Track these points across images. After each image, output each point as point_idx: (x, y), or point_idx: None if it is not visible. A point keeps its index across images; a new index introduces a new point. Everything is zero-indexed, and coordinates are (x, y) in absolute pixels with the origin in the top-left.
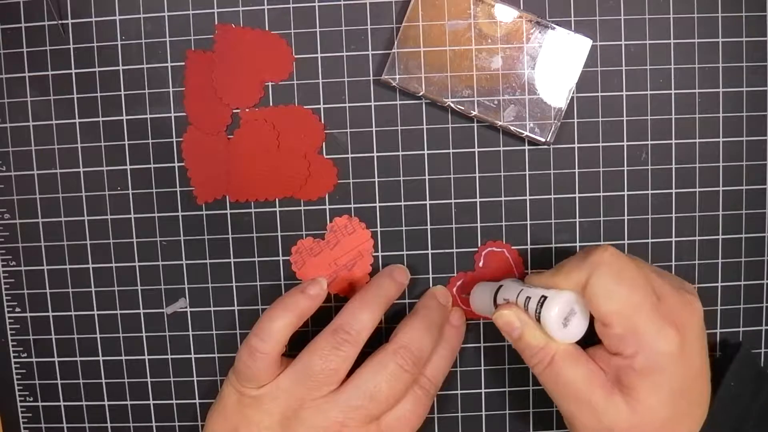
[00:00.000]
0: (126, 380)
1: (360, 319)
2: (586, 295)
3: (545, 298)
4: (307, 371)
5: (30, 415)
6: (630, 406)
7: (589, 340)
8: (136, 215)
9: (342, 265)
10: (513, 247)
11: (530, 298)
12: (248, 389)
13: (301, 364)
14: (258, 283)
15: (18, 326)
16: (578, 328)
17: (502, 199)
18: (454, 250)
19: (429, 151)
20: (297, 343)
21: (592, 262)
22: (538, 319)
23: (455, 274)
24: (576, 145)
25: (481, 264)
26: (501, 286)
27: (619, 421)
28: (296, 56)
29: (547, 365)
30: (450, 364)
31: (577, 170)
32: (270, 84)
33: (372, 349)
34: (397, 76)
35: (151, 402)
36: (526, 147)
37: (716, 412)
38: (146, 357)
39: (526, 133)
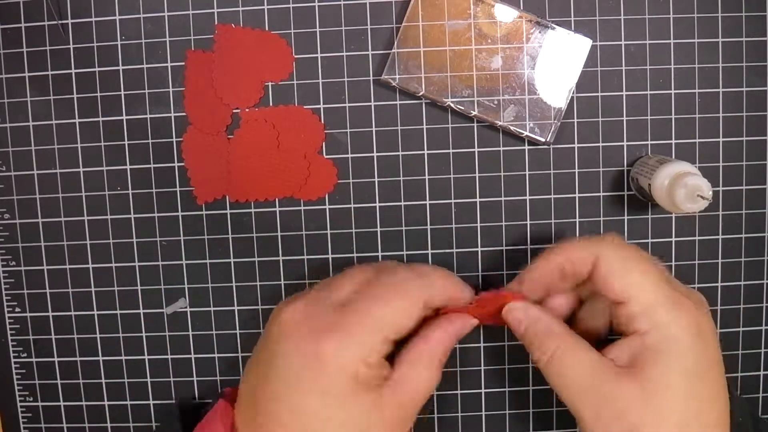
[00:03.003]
0: (126, 380)
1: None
2: (598, 273)
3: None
4: None
5: (30, 415)
6: (641, 385)
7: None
8: (136, 215)
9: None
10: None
11: None
12: None
13: None
14: (258, 283)
15: (18, 326)
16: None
17: (502, 199)
18: (454, 250)
19: (429, 151)
20: None
21: (603, 240)
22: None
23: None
24: (576, 145)
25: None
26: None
27: (633, 402)
28: (296, 56)
29: (549, 360)
30: (442, 272)
31: (577, 170)
32: (270, 84)
33: None
34: (397, 76)
35: (151, 402)
36: (526, 147)
37: None
38: (146, 357)
39: (526, 133)
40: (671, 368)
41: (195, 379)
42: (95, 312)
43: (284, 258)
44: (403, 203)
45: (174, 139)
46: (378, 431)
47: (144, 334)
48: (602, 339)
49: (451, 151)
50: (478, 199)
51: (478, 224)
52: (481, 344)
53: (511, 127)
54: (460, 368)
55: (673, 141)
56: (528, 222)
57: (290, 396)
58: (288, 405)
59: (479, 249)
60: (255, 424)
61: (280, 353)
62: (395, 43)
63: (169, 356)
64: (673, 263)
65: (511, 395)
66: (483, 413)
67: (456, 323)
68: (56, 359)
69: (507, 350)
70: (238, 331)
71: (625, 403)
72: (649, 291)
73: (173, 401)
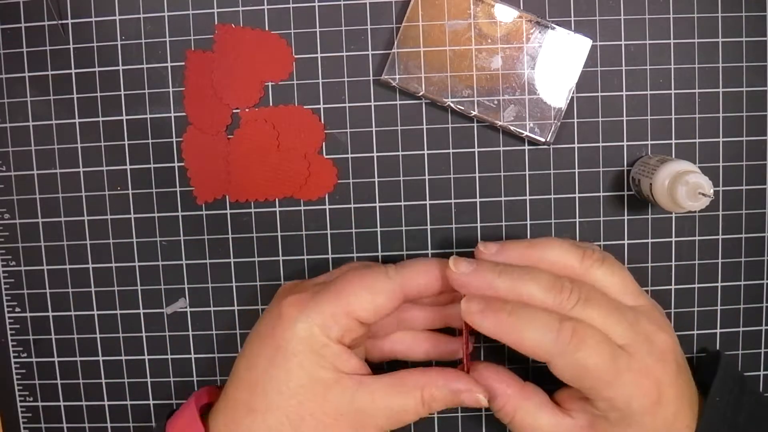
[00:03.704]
0: (126, 380)
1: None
2: (552, 369)
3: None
4: None
5: (30, 415)
6: None
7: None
8: (136, 215)
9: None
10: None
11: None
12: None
13: None
14: (258, 283)
15: (18, 326)
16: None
17: (502, 199)
18: (454, 250)
19: (429, 151)
20: None
21: (556, 344)
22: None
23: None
24: (576, 145)
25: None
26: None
27: None
28: (296, 56)
29: (510, 421)
30: (427, 261)
31: (577, 170)
32: (270, 84)
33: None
34: (397, 76)
35: (151, 402)
36: (526, 147)
37: (705, 428)
38: (146, 357)
39: (526, 133)
40: None
41: (195, 379)
42: (95, 312)
43: (284, 258)
44: (403, 203)
45: (174, 139)
46: (317, 409)
47: (144, 334)
48: None
49: (451, 151)
50: (478, 199)
51: (478, 224)
52: (482, 344)
53: (511, 127)
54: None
55: (673, 141)
56: (528, 222)
57: (253, 346)
58: (249, 355)
59: None
60: (230, 376)
61: (261, 317)
62: (395, 43)
63: (169, 356)
64: (673, 263)
65: None
66: (483, 413)
67: (461, 382)
68: (56, 359)
69: (506, 350)
70: (237, 331)
71: None
72: (603, 388)
73: (173, 401)
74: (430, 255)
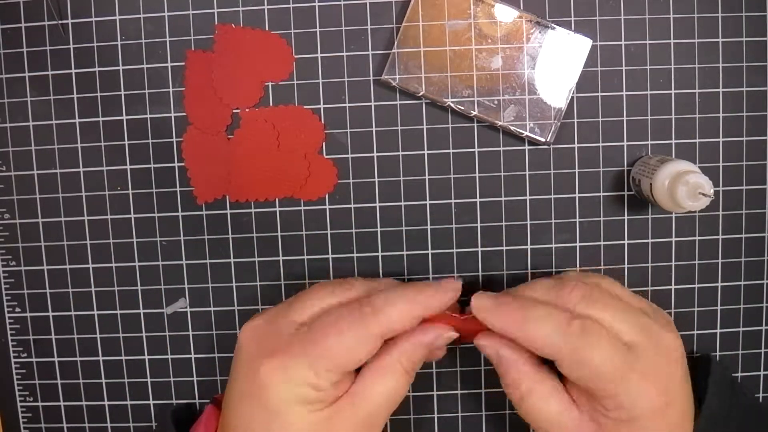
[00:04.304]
0: (126, 380)
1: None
2: (559, 365)
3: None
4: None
5: (30, 415)
6: None
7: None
8: (136, 215)
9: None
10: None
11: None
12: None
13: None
14: (258, 283)
15: (18, 326)
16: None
17: (502, 199)
18: (454, 250)
19: (429, 151)
20: None
21: (567, 335)
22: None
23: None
24: (576, 145)
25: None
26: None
27: None
28: (296, 56)
29: (519, 399)
30: (406, 301)
31: (577, 170)
32: (270, 84)
33: None
34: (397, 76)
35: (151, 402)
36: (526, 147)
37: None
38: (146, 357)
39: (526, 133)
40: None
41: (195, 379)
42: (95, 312)
43: (284, 258)
44: (403, 203)
45: (174, 139)
46: None
47: (144, 334)
48: None
49: (451, 151)
50: (478, 199)
51: (478, 224)
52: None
53: (511, 127)
54: (460, 368)
55: (673, 141)
56: (528, 222)
57: (241, 408)
58: (240, 417)
59: (479, 249)
60: (222, 430)
61: (235, 368)
62: (395, 43)
63: (169, 356)
64: (673, 263)
65: None
66: (483, 413)
67: (429, 334)
68: (56, 359)
69: None
70: (237, 332)
71: None
72: (610, 386)
73: (173, 401)
74: (430, 255)
